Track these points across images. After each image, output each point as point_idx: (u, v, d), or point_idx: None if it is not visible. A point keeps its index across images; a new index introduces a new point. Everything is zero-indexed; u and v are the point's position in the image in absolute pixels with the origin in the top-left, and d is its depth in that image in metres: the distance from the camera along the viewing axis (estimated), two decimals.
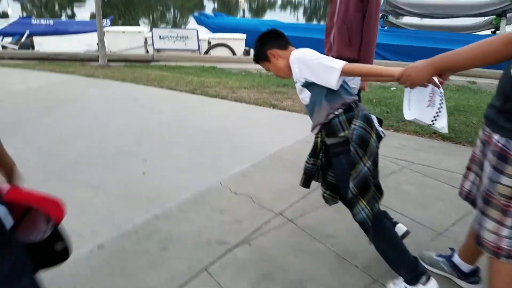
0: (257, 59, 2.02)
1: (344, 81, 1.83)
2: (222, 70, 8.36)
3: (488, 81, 7.35)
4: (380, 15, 10.84)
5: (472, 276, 1.97)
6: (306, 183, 2.05)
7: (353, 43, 2.58)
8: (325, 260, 2.17)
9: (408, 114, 1.68)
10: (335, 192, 2.04)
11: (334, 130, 1.79)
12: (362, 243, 2.27)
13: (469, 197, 1.80)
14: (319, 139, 1.92)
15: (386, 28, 10.86)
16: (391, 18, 11.29)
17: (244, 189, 2.88)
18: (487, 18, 10.93)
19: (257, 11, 29.96)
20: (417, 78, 1.52)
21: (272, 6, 35.13)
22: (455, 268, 2.01)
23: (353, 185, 1.74)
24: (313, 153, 1.97)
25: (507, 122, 1.41)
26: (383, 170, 3.20)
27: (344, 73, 1.71)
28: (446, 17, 10.75)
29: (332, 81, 1.72)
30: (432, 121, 1.63)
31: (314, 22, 23.86)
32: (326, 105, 1.80)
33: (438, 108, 1.62)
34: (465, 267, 1.98)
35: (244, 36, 10.94)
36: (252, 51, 12.17)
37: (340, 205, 2.11)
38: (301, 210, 2.62)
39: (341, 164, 1.82)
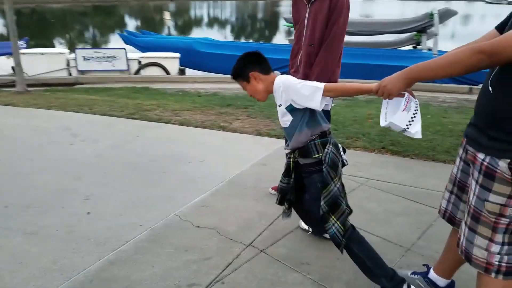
0: (237, 77, 2.10)
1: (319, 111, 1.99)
2: (157, 90, 8.11)
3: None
4: None
5: None
6: (281, 201, 2.22)
7: None
8: None
9: (384, 122, 1.76)
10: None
11: (309, 151, 2.00)
12: (337, 266, 2.26)
13: (445, 215, 1.87)
14: (291, 159, 2.09)
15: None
16: None
17: (207, 221, 2.73)
18: (409, 34, 11.95)
19: (183, 29, 29.84)
20: (393, 88, 1.64)
21: (198, 23, 35.28)
22: (432, 285, 2.06)
23: (324, 203, 1.95)
24: (287, 173, 2.13)
25: (491, 141, 1.47)
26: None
27: (327, 91, 1.86)
28: (372, 34, 11.55)
29: (316, 100, 1.86)
30: (407, 125, 1.72)
31: (242, 40, 24.29)
32: (307, 132, 1.98)
33: (414, 113, 1.72)
34: (442, 282, 2.04)
35: (178, 55, 10.78)
36: (187, 70, 12.01)
37: None
38: (271, 238, 2.54)
39: (314, 182, 2.01)
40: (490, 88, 1.47)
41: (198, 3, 54.85)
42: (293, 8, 2.80)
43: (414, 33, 11.57)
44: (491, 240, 1.52)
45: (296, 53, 2.78)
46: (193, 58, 11.47)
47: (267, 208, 2.88)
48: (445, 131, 4.63)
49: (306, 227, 2.59)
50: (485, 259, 1.55)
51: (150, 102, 6.29)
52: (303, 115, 1.96)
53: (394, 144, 4.17)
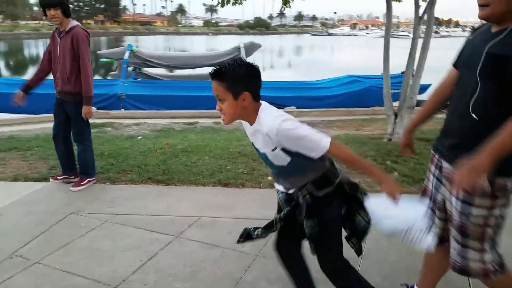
0: (227, 82, 1.59)
1: None
2: None
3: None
4: (132, 68, 11.15)
5: None
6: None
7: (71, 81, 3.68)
8: None
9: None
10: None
11: (328, 180, 1.75)
12: None
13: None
14: (306, 197, 1.74)
15: (139, 79, 11.21)
16: (144, 70, 11.78)
17: None
18: None
19: (17, 69, 26.65)
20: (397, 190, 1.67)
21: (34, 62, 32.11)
22: None
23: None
24: (309, 214, 1.76)
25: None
26: (82, 230, 3.06)
27: (329, 153, 1.65)
28: (191, 67, 11.97)
29: (316, 155, 1.65)
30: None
31: None
32: (325, 164, 1.73)
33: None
34: None
35: None
36: None
37: None
38: None
39: (333, 210, 1.77)
40: (474, 116, 1.59)
41: (34, 42, 50.11)
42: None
43: None
44: (482, 250, 1.70)
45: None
46: None
47: None
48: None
49: None
50: (483, 269, 1.72)
51: None
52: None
53: (165, 173, 4.20)
